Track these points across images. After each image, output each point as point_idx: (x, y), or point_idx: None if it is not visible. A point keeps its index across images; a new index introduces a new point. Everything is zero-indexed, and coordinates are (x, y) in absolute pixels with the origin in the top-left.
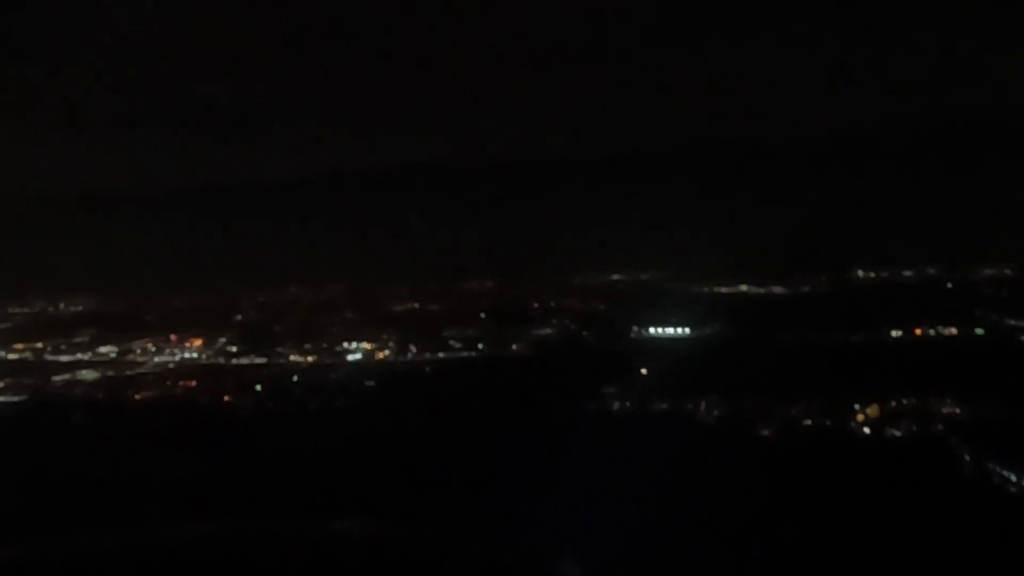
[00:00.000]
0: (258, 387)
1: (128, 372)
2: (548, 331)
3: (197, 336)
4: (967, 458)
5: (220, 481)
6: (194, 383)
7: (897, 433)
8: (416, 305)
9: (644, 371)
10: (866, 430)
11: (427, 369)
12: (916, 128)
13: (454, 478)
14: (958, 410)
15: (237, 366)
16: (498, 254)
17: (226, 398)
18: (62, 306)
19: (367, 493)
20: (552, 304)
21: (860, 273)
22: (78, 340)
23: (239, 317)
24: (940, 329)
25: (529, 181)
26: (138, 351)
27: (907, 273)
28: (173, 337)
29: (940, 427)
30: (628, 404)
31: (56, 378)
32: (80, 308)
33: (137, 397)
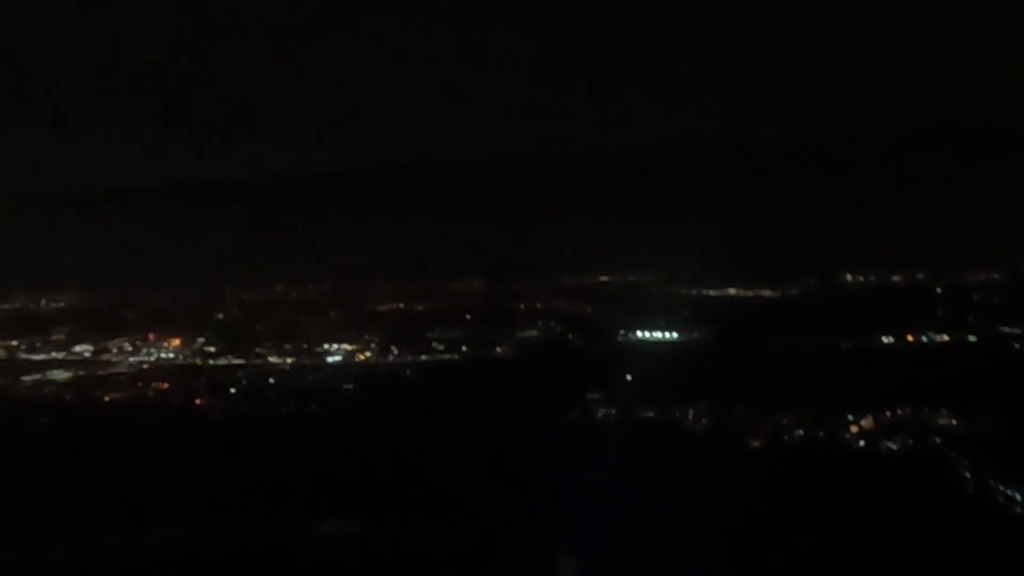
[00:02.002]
0: (232, 390)
1: (101, 372)
2: (534, 333)
3: (176, 335)
4: (967, 475)
5: (184, 487)
6: (166, 385)
7: (893, 446)
8: (401, 305)
9: (631, 377)
10: (860, 443)
11: (408, 372)
12: (906, 131)
13: (427, 485)
14: (955, 422)
15: (214, 367)
16: (485, 254)
17: (198, 401)
18: (43, 303)
19: (332, 499)
20: (538, 305)
21: (849, 277)
22: (54, 338)
23: (221, 316)
24: (932, 336)
25: (518, 181)
26: (114, 350)
27: (896, 278)
28: (151, 336)
29: (937, 440)
30: (613, 411)
31: (26, 378)
32: (62, 305)
33: (106, 399)
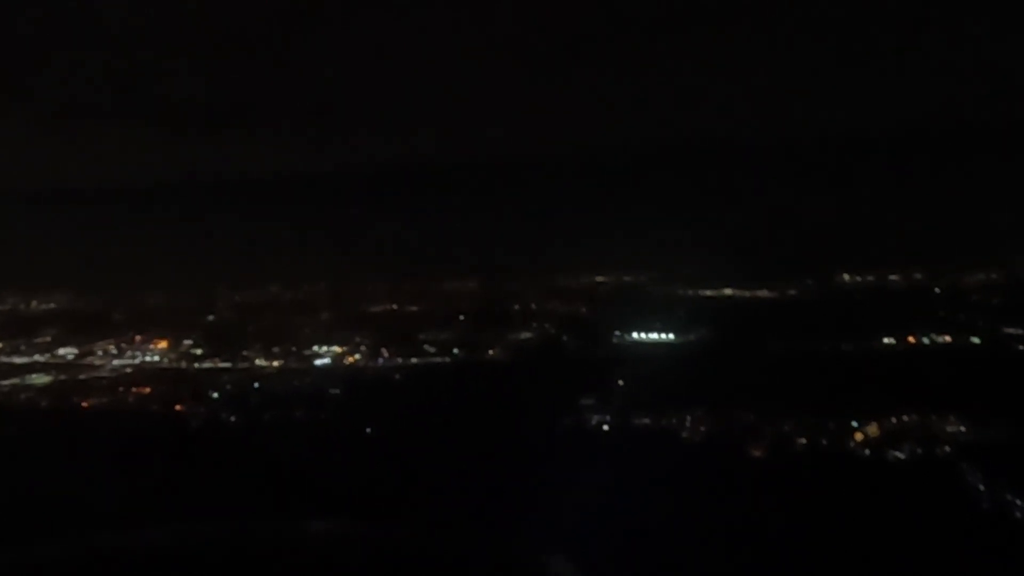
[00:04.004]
0: (215, 395)
1: (82, 377)
2: (528, 335)
3: (163, 337)
4: (981, 488)
5: (157, 497)
6: (148, 390)
7: (901, 455)
8: (394, 306)
9: (627, 380)
10: (866, 451)
11: (397, 376)
12: (904, 131)
13: (412, 491)
14: (963, 428)
15: (199, 371)
16: (479, 254)
17: (178, 407)
18: (34, 304)
19: (314, 506)
20: (533, 306)
21: (846, 277)
22: (39, 341)
23: (211, 317)
24: (934, 337)
25: (513, 180)
26: (99, 353)
27: (893, 278)
28: (137, 338)
29: (947, 449)
30: (608, 417)
31: (4, 382)
32: (51, 306)
33: (84, 405)
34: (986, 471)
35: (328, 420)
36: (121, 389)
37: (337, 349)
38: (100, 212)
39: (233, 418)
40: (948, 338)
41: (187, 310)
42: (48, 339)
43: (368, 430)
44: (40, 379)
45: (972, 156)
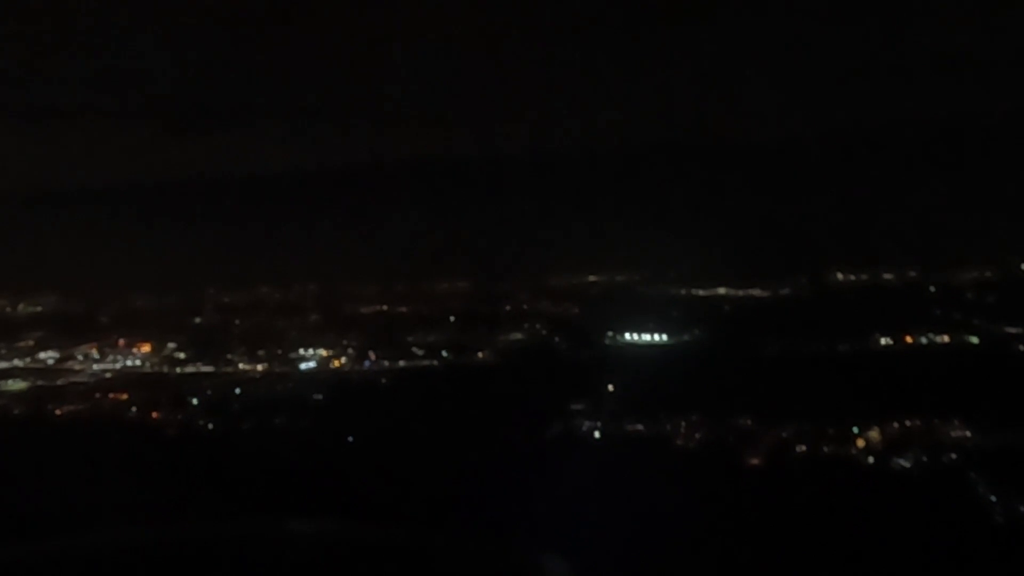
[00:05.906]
0: (194, 401)
1: (60, 382)
2: (519, 336)
3: (147, 341)
4: (993, 499)
5: (127, 509)
6: (124, 396)
7: (905, 463)
8: (382, 307)
9: (620, 384)
10: (869, 459)
11: (383, 380)
12: (898, 128)
13: (397, 502)
14: (969, 433)
15: (181, 375)
16: (471, 253)
17: (155, 414)
18: (20, 307)
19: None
20: (525, 307)
21: (839, 275)
22: (21, 344)
23: (198, 320)
24: (932, 337)
25: (505, 179)
26: (79, 357)
27: (887, 276)
28: (120, 342)
29: (953, 456)
30: (600, 423)
31: None
32: (37, 309)
33: (58, 413)
34: (996, 480)
35: (312, 426)
36: (98, 395)
37: (323, 352)
38: (88, 213)
39: (211, 425)
40: (946, 338)
41: (173, 312)
42: (31, 343)
43: (353, 436)
44: (16, 385)
45: (965, 153)
